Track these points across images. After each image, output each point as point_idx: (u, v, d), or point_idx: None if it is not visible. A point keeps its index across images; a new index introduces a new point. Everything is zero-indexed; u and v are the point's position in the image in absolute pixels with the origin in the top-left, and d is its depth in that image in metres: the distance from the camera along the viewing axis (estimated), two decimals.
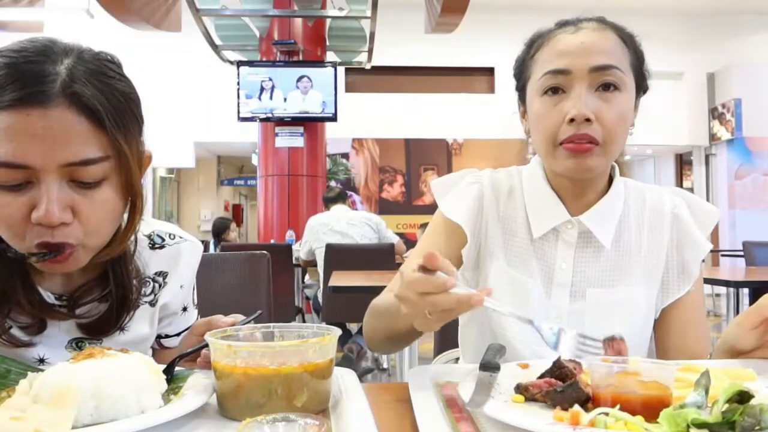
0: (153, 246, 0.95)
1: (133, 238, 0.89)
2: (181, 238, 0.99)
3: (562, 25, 1.00)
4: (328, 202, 4.58)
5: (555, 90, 0.96)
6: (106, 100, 0.75)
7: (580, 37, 0.96)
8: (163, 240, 0.97)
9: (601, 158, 0.95)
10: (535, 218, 1.04)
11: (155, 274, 0.95)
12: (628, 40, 0.99)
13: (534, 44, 1.02)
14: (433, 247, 1.06)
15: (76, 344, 0.88)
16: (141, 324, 0.93)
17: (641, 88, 1.02)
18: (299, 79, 6.49)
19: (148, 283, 0.94)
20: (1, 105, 0.69)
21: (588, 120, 0.92)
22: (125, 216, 0.84)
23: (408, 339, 0.98)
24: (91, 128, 0.73)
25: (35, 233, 0.73)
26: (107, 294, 0.87)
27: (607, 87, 0.94)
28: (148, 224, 0.96)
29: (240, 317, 0.89)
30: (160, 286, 0.95)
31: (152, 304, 0.95)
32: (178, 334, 1.03)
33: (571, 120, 0.92)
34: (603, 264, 1.02)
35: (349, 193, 7.42)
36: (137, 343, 0.93)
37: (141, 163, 0.82)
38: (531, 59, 1.02)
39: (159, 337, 1.02)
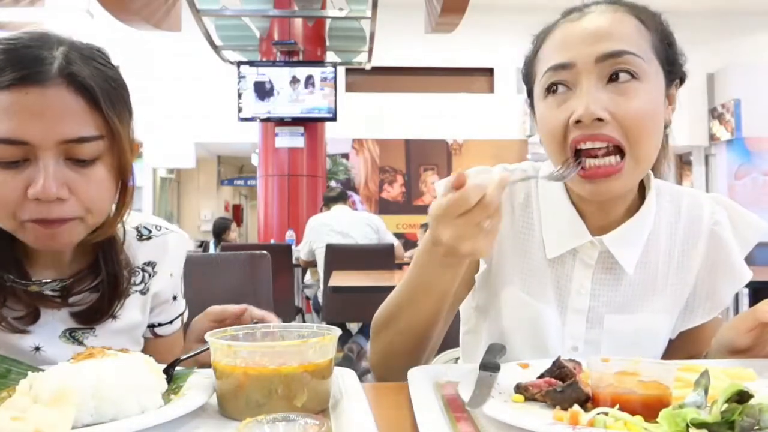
0: (140, 237, 0.98)
1: (122, 228, 0.93)
2: (167, 229, 1.02)
3: (568, 13, 0.86)
4: (329, 201, 4.59)
5: (559, 87, 0.81)
6: (102, 81, 0.79)
7: (584, 23, 0.81)
8: (150, 231, 0.99)
9: (630, 174, 0.79)
10: (551, 237, 0.91)
11: (144, 264, 0.97)
12: (648, 20, 0.83)
13: (538, 40, 0.89)
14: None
15: (70, 334, 0.89)
16: (133, 311, 0.95)
17: (675, 76, 0.86)
18: (299, 79, 6.49)
19: (137, 273, 0.96)
20: (1, 85, 0.73)
21: (600, 120, 0.77)
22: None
23: (431, 333, 0.89)
24: (87, 108, 0.77)
25: (31, 210, 0.75)
26: (99, 283, 0.89)
27: (621, 77, 0.78)
28: (134, 218, 0.99)
29: (252, 309, 0.91)
30: (149, 275, 0.98)
31: (143, 292, 0.97)
32: (170, 322, 1.05)
33: (578, 122, 0.78)
34: (624, 289, 0.91)
35: (349, 193, 7.42)
36: (130, 330, 0.96)
37: (132, 147, 0.85)
38: (535, 57, 0.89)
39: (153, 326, 1.03)
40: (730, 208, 0.94)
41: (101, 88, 0.78)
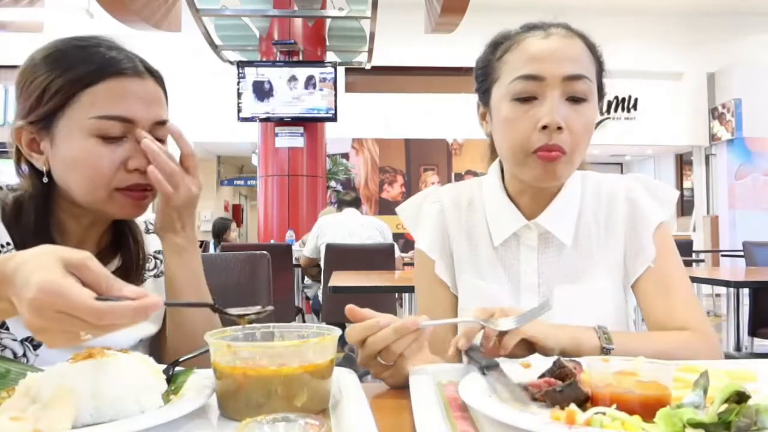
0: (148, 231, 1.10)
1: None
2: None
3: (530, 28, 1.00)
4: (342, 204, 4.69)
5: (526, 97, 0.96)
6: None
7: (551, 43, 0.96)
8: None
9: (567, 167, 0.97)
10: (495, 226, 1.07)
11: (155, 252, 1.09)
12: (592, 48, 1.00)
13: (500, 46, 1.02)
14: (429, 286, 1.11)
15: None
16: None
17: (602, 94, 1.04)
18: (299, 79, 6.49)
19: (150, 260, 1.08)
20: (113, 72, 0.90)
21: (559, 129, 0.93)
22: None
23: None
24: (164, 98, 0.98)
25: (127, 180, 0.91)
26: (120, 258, 1.01)
27: (577, 99, 0.95)
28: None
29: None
30: (161, 261, 1.07)
31: (157, 276, 1.07)
32: None
33: (544, 127, 0.93)
34: (565, 261, 1.04)
35: None
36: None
37: None
38: (498, 61, 1.01)
39: None
40: (643, 180, 1.09)
41: (163, 86, 0.98)
